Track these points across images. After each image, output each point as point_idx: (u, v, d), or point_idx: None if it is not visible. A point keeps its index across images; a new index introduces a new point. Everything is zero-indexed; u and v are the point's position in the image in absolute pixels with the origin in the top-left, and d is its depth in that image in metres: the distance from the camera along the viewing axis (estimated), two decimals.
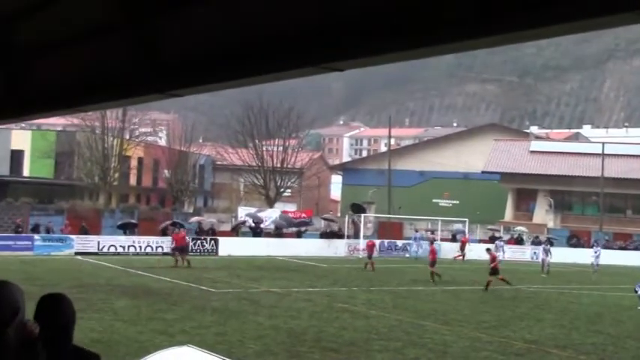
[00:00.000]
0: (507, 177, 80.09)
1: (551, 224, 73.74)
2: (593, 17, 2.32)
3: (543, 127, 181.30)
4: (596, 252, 47.55)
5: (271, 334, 20.67)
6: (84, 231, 49.63)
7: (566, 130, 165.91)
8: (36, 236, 47.52)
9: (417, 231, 61.04)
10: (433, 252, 40.50)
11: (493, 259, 36.30)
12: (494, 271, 35.43)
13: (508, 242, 62.54)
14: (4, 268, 32.25)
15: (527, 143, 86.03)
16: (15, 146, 74.81)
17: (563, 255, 53.26)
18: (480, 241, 63.30)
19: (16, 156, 74.88)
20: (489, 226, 68.15)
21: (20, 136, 75.42)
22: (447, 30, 2.74)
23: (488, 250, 39.30)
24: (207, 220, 58.09)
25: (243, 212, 61.29)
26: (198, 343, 15.74)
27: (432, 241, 50.09)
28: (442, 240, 61.14)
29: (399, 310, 26.93)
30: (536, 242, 59.91)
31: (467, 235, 59.71)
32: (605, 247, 57.26)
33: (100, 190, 69.91)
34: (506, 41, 2.81)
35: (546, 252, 47.35)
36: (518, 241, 62.07)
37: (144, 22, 4.22)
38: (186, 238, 44.59)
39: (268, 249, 50.05)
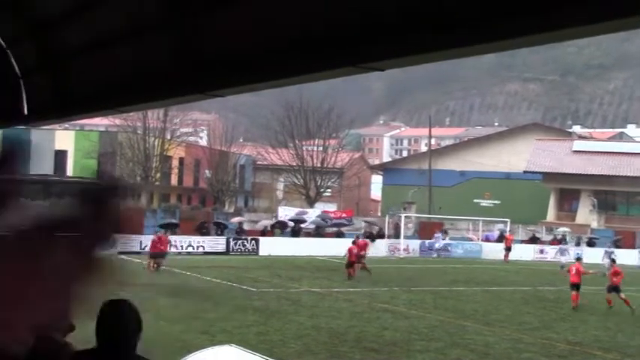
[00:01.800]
0: (550, 177, 79.28)
1: (594, 225, 72.80)
2: (631, 16, 2.29)
3: (586, 126, 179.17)
4: None
5: (312, 334, 20.69)
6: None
7: (610, 130, 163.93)
8: None
9: (444, 232, 60.58)
10: (362, 247, 40.01)
11: (616, 272, 30.00)
12: (614, 288, 29.45)
13: (551, 243, 61.93)
14: None
15: (570, 143, 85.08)
16: (59, 146, 75.79)
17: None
18: (522, 241, 62.74)
19: (60, 156, 75.85)
20: (530, 227, 67.55)
21: (64, 137, 76.39)
22: (488, 29, 2.72)
23: (612, 260, 35.26)
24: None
25: (283, 212, 61.42)
26: (240, 342, 15.79)
27: (368, 236, 48.91)
28: (483, 241, 60.73)
29: (440, 311, 26.79)
30: (578, 243, 59.16)
31: (510, 234, 59.12)
32: None
33: (141, 190, 70.53)
34: (547, 40, 2.78)
35: (609, 255, 45.41)
36: (561, 241, 61.36)
37: (185, 23, 4.25)
38: (168, 243, 42.24)
39: (309, 249, 50.03)
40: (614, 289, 29.51)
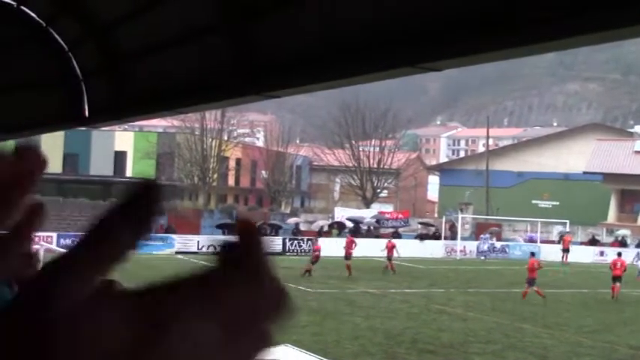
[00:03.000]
0: (610, 177, 77.96)
1: None
2: None
3: None
4: None
5: (368, 335, 20.67)
6: (172, 231, 50.61)
7: None
8: None
9: (491, 233, 59.71)
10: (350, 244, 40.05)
11: None
12: None
13: (612, 244, 60.87)
14: None
15: (632, 143, 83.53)
16: (118, 147, 76.94)
17: None
18: (582, 243, 61.82)
19: (120, 157, 77.00)
20: (590, 228, 66.51)
21: (123, 138, 77.52)
22: (545, 29, 2.69)
23: None
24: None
25: (339, 213, 61.43)
26: (295, 342, 15.86)
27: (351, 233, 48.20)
28: (542, 242, 59.98)
29: (497, 313, 26.53)
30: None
31: (567, 235, 58.15)
32: None
33: (199, 191, 71.24)
34: (606, 39, 2.73)
35: None
36: (622, 243, 60.25)
37: (242, 25, 4.27)
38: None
39: (365, 250, 49.95)
40: None
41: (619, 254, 37.36)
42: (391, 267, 40.02)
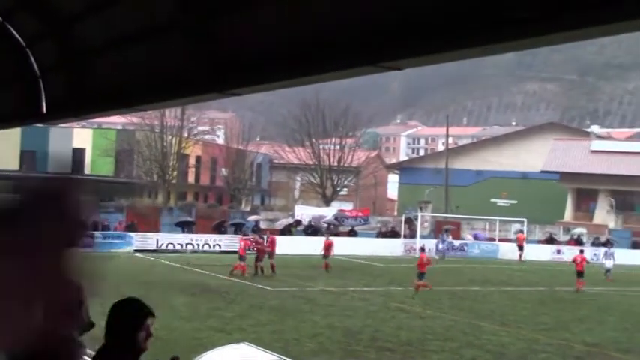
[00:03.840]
0: (567, 177, 78.93)
1: (612, 225, 72.43)
2: None
3: (605, 126, 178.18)
4: None
5: (327, 333, 20.70)
6: (133, 229, 50.28)
7: (629, 130, 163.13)
8: (96, 233, 48.31)
9: (446, 231, 60.03)
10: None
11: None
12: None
13: (568, 243, 61.64)
14: None
15: (588, 143, 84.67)
16: (77, 145, 76.14)
17: (625, 257, 52.20)
18: (539, 241, 62.52)
19: (78, 154, 76.19)
20: (547, 227, 67.25)
21: (81, 135, 76.73)
22: (506, 28, 2.71)
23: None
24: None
25: (299, 211, 61.44)
26: (255, 340, 15.84)
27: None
28: (500, 240, 60.55)
29: (455, 311, 26.73)
30: (596, 243, 58.74)
31: (520, 233, 58.66)
32: None
33: (158, 188, 70.78)
34: (568, 39, 2.77)
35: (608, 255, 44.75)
36: (578, 242, 61.02)
37: (203, 22, 4.26)
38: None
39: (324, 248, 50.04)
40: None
41: (581, 251, 40.02)
42: (325, 266, 39.25)
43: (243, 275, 34.90)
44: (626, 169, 75.46)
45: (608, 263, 43.12)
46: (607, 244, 54.96)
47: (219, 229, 52.14)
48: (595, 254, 52.75)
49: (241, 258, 35.99)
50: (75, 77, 5.92)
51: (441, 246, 55.38)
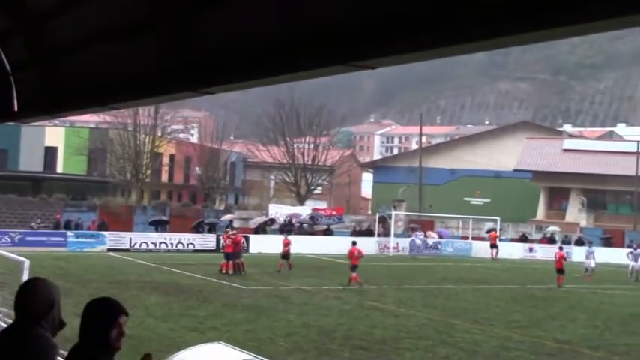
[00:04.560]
0: (540, 176, 79.48)
1: (584, 223, 73.05)
2: (627, 15, 2.30)
3: (577, 125, 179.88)
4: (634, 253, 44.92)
5: (301, 332, 20.72)
6: (105, 228, 50.03)
7: (600, 129, 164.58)
8: (69, 232, 48.01)
9: (411, 229, 60.26)
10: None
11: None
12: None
13: (540, 241, 62.13)
14: (38, 264, 32.55)
15: (560, 142, 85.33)
16: (49, 143, 75.54)
17: (596, 255, 52.48)
18: (512, 239, 62.93)
19: (50, 153, 75.61)
20: (520, 225, 67.68)
21: (54, 133, 76.13)
22: (479, 27, 2.73)
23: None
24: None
25: (273, 210, 61.42)
26: (229, 339, 15.81)
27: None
28: (473, 239, 60.88)
29: (429, 309, 26.85)
30: (566, 241, 59.11)
31: (497, 232, 58.89)
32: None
33: (132, 187, 70.40)
34: (538, 39, 2.79)
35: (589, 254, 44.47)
36: (551, 240, 61.53)
37: (176, 21, 4.25)
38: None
39: (298, 247, 50.06)
40: None
41: (560, 248, 41.97)
42: (280, 265, 38.59)
43: (228, 274, 35.10)
44: (597, 168, 76.10)
45: (591, 262, 43.10)
46: (579, 242, 55.39)
47: (198, 229, 51.86)
48: (567, 252, 52.94)
49: (236, 255, 36.61)
50: (47, 75, 5.88)
51: (408, 244, 55.48)
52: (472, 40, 2.84)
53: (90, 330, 4.21)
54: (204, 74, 4.18)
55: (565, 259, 39.59)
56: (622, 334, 23.34)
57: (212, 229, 53.32)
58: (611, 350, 20.34)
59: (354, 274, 32.78)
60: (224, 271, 35.70)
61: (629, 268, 44.39)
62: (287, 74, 3.76)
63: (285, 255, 39.43)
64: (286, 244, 40.27)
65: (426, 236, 58.31)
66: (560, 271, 37.64)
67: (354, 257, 33.81)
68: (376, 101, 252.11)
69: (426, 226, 63.10)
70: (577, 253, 51.70)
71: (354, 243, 36.33)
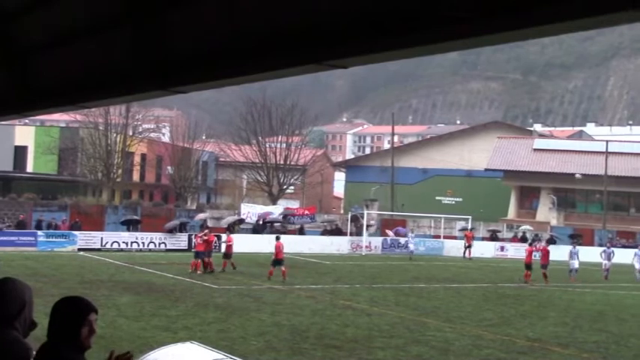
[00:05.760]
0: (510, 175, 80.00)
1: (554, 222, 73.60)
2: (594, 15, 2.33)
3: (547, 125, 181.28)
4: (606, 252, 45.14)
5: (274, 331, 20.69)
6: (77, 228, 49.63)
7: (570, 128, 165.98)
8: (39, 232, 47.57)
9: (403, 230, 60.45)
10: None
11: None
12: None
13: (512, 240, 62.52)
14: (7, 264, 32.28)
15: (531, 141, 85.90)
16: (19, 142, 74.88)
17: (565, 253, 52.90)
18: (483, 238, 63.25)
19: (20, 152, 74.95)
20: (491, 224, 68.06)
21: (24, 132, 75.48)
22: (449, 28, 2.75)
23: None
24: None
25: (246, 209, 61.29)
26: (201, 339, 15.76)
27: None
28: (445, 237, 61.10)
29: (401, 308, 26.93)
30: (535, 240, 59.41)
31: (469, 231, 59.07)
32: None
33: (103, 186, 69.94)
34: (508, 39, 2.82)
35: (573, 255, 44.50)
36: (522, 239, 61.92)
37: (147, 20, 4.23)
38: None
39: (271, 246, 50.00)
40: None
41: (530, 244, 44.43)
42: (224, 265, 37.44)
43: (197, 273, 35.32)
44: (567, 167, 76.74)
45: (575, 263, 42.27)
46: (550, 241, 55.71)
47: (172, 231, 51.12)
48: (571, 252, 52.47)
49: (207, 254, 36.84)
50: (17, 74, 5.84)
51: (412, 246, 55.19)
52: (444, 40, 2.86)
53: (60, 328, 4.18)
54: (175, 73, 4.17)
55: (534, 256, 40.21)
56: (592, 331, 23.55)
57: (183, 228, 53.06)
58: (581, 348, 20.53)
59: (282, 268, 33.77)
60: (192, 270, 35.62)
61: (603, 266, 44.63)
62: (260, 73, 3.76)
63: (228, 254, 38.15)
64: (229, 242, 39.03)
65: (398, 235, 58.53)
66: (528, 266, 38.43)
67: (279, 252, 34.68)
68: (348, 100, 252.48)
69: (398, 225, 63.27)
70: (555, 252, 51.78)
71: (277, 238, 36.85)
